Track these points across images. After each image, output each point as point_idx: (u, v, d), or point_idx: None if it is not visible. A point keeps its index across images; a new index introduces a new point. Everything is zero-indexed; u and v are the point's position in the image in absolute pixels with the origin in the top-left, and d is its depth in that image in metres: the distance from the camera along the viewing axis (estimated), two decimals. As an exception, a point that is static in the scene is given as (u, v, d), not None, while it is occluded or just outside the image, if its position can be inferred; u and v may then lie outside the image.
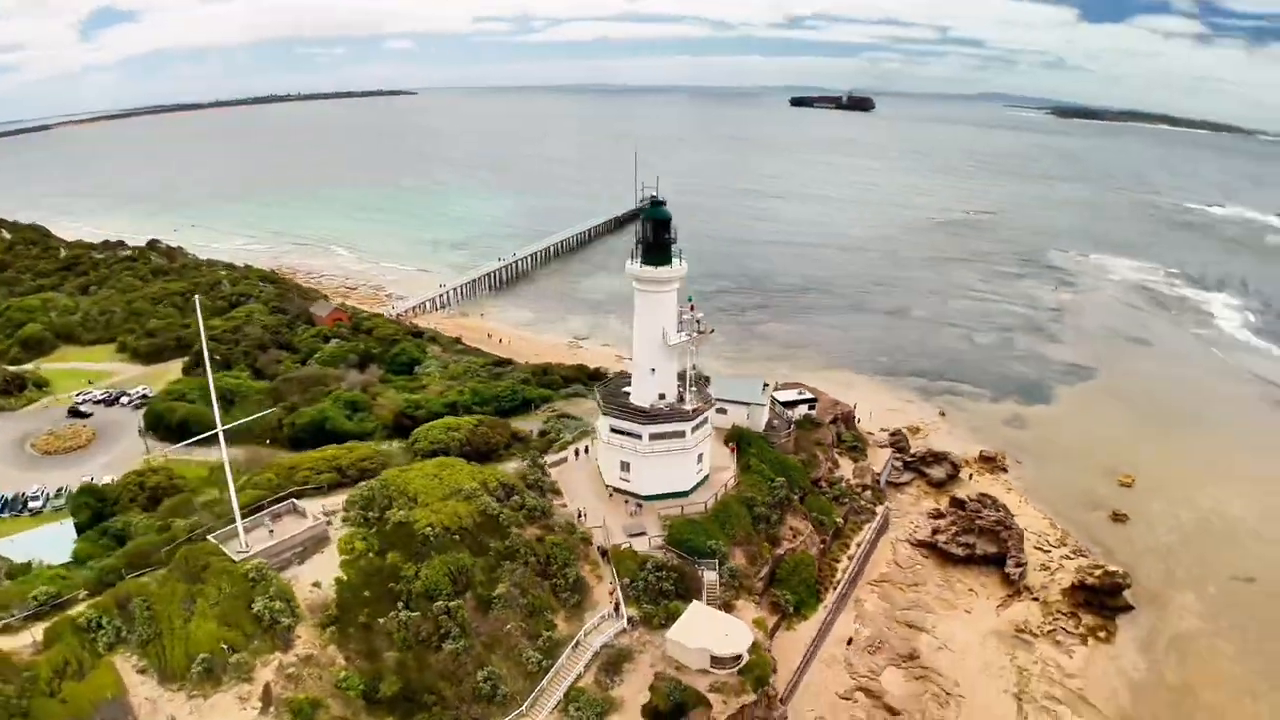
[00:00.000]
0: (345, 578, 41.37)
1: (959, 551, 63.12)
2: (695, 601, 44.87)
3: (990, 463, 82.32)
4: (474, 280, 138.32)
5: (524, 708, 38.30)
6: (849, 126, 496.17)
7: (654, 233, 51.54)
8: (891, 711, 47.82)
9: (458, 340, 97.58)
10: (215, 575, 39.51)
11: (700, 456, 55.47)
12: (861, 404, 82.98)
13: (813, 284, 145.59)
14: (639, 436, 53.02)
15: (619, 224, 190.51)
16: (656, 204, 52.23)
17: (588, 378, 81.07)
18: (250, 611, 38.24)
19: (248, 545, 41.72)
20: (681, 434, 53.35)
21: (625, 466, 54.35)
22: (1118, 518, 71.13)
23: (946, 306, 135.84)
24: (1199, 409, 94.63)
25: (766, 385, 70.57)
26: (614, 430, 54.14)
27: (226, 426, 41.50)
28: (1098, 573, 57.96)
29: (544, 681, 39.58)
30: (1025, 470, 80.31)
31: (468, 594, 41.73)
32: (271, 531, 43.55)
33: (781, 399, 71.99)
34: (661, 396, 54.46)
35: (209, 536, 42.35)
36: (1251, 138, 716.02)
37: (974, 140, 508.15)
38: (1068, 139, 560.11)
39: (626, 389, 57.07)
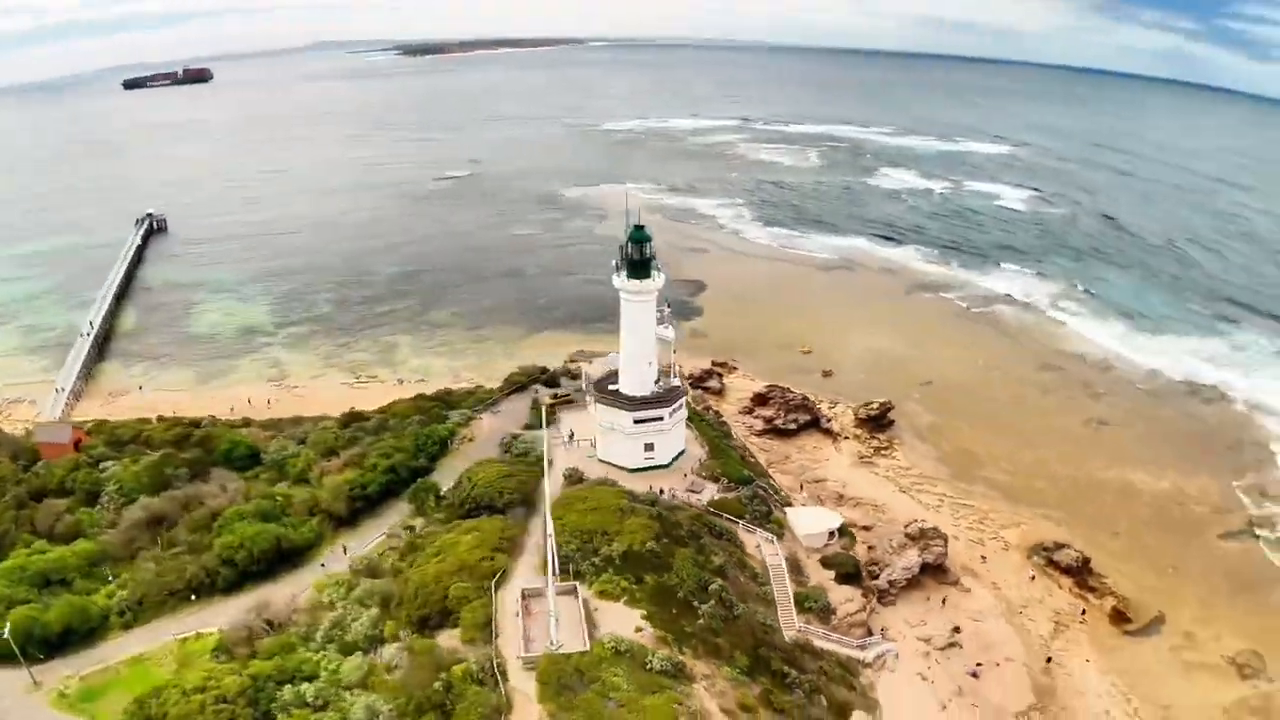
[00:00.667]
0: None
1: (793, 426, 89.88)
2: (787, 509, 61.52)
3: (725, 366, 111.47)
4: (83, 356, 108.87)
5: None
6: (194, 103, 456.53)
7: (638, 252, 62.01)
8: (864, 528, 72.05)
9: (246, 421, 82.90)
10: None
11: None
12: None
13: (411, 270, 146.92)
14: (660, 419, 64.59)
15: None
16: (639, 229, 62.39)
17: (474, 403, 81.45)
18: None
19: None
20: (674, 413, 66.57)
21: (650, 446, 65.34)
22: (826, 374, 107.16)
23: (542, 257, 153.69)
24: (784, 290, 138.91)
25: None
26: (637, 420, 64.27)
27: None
28: (872, 407, 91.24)
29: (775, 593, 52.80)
30: (747, 364, 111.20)
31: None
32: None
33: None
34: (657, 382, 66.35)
35: None
36: (583, 45, 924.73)
37: (355, 94, 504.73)
38: (427, 77, 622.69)
39: (613, 384, 66.85)
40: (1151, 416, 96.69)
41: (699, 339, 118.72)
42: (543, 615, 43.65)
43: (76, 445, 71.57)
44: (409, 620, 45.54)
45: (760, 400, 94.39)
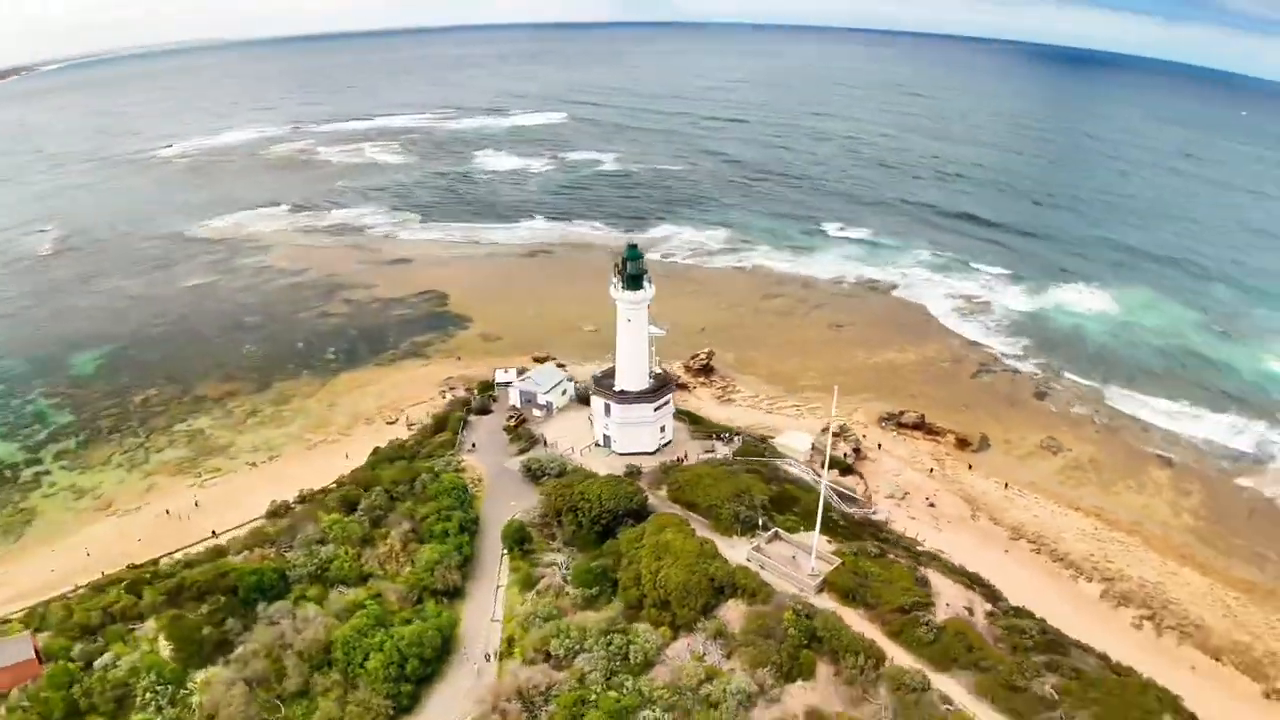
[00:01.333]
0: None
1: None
2: (777, 437, 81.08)
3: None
4: None
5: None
6: None
7: (633, 269, 72.77)
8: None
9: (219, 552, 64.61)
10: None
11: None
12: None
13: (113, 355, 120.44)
14: (668, 403, 77.44)
15: None
16: (633, 248, 72.72)
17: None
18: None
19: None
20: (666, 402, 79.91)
21: (663, 429, 77.93)
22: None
23: (248, 300, 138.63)
24: (517, 281, 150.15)
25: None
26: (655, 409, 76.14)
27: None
28: (699, 358, 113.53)
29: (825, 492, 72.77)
30: (561, 354, 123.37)
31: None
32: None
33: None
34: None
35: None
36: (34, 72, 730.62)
37: None
38: None
39: (610, 381, 77.00)
40: (862, 312, 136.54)
41: (494, 342, 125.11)
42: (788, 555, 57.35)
43: (39, 657, 52.93)
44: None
45: (705, 370, 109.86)
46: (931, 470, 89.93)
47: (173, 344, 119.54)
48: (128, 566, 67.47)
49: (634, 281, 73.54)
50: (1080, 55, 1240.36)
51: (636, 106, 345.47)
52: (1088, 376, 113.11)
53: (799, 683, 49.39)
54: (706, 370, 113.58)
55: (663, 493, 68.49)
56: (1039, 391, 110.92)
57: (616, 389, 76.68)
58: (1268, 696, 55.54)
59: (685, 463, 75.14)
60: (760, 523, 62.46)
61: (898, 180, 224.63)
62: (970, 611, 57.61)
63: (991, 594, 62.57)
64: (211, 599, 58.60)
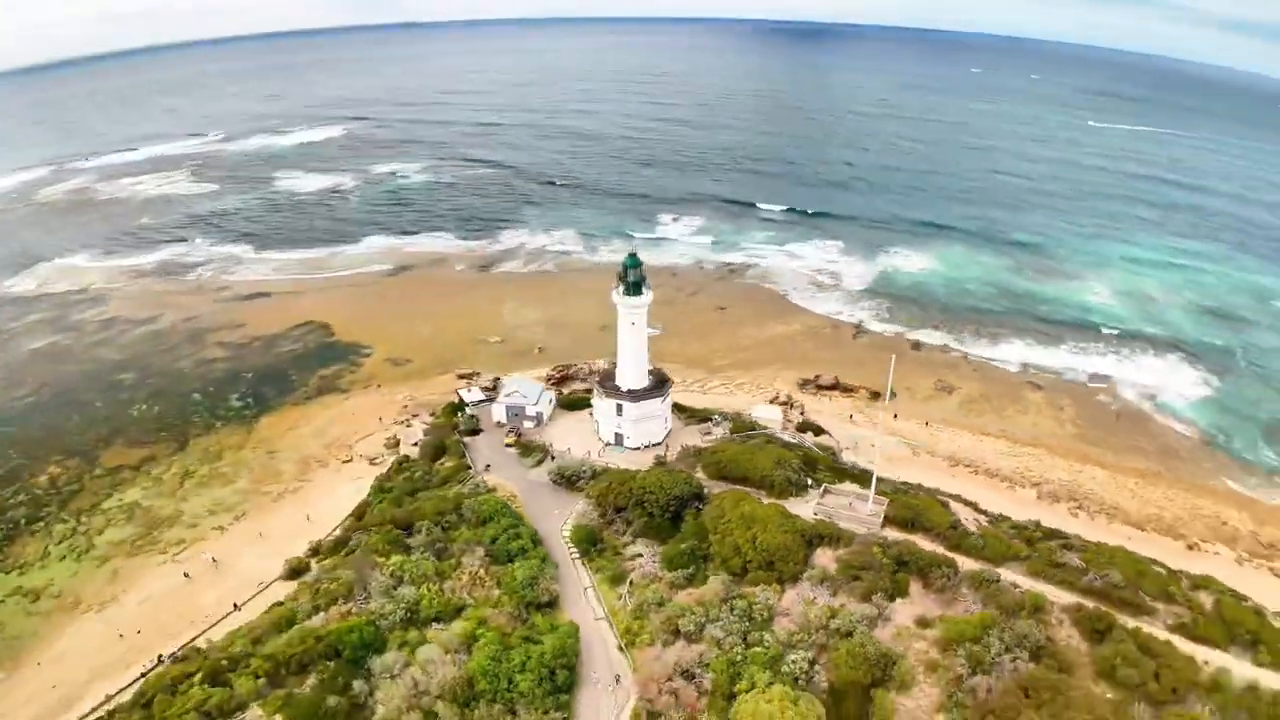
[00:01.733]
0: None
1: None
2: (753, 409, 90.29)
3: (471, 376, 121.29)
4: None
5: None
6: None
7: (634, 276, 77.86)
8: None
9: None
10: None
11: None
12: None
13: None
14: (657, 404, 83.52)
15: None
16: (632, 256, 77.55)
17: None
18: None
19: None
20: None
21: (665, 420, 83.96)
22: (540, 350, 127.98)
23: (66, 371, 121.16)
24: (395, 302, 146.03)
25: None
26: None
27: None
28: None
29: (817, 451, 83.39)
30: (480, 367, 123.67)
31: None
32: (822, 520, 65.76)
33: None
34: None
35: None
36: None
37: None
38: None
39: (614, 383, 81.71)
40: (734, 294, 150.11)
41: (404, 366, 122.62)
42: (845, 503, 66.94)
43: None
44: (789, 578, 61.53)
45: (564, 379, 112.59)
46: (851, 416, 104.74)
47: (48, 415, 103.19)
48: (159, 660, 61.22)
49: (635, 288, 78.69)
50: (817, 29, 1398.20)
51: (408, 118, 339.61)
52: (944, 326, 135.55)
53: (898, 601, 59.01)
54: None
55: (699, 475, 74.90)
56: (914, 343, 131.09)
57: (625, 389, 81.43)
58: (1190, 549, 74.91)
59: (669, 451, 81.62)
60: (808, 482, 71.43)
61: (695, 172, 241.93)
62: (977, 522, 71.04)
63: (976, 508, 76.89)
64: (317, 668, 55.72)
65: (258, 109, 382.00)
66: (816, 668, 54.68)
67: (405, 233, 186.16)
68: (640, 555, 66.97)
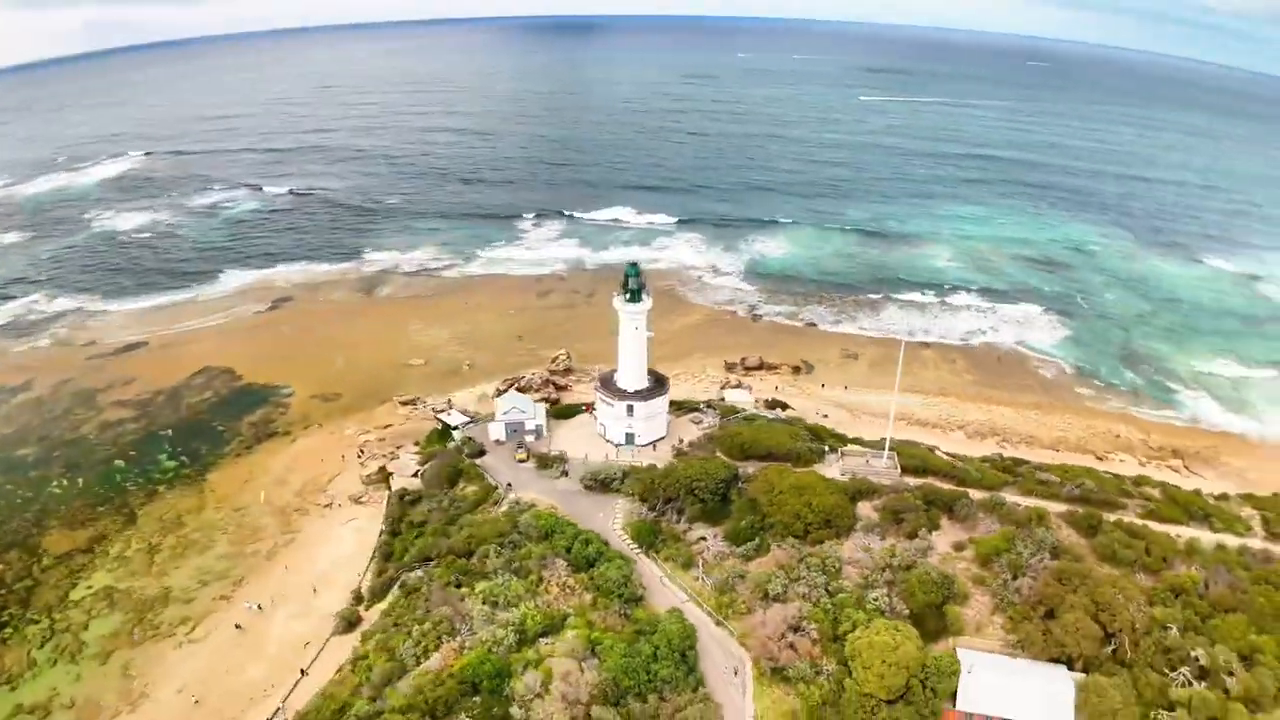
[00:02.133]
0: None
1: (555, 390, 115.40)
2: (725, 391, 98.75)
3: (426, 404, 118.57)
4: None
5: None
6: None
7: (635, 284, 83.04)
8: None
9: None
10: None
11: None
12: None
13: None
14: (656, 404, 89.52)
15: None
16: (633, 265, 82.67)
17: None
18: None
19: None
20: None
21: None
22: (470, 367, 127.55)
23: None
24: (297, 340, 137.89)
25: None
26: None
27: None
28: (560, 360, 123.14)
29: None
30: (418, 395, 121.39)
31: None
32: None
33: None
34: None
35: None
36: None
37: None
38: None
39: (620, 387, 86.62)
40: (530, 299, 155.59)
41: (334, 401, 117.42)
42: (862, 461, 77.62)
43: None
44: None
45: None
46: (776, 387, 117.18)
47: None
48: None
49: (636, 295, 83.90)
50: (587, 23, 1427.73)
51: (202, 147, 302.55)
52: (826, 302, 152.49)
53: (934, 534, 70.56)
54: (569, 370, 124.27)
55: (720, 457, 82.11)
56: (808, 321, 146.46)
57: (632, 390, 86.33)
58: (1100, 459, 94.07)
59: (682, 442, 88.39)
60: (825, 449, 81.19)
61: (521, 182, 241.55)
62: (952, 462, 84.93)
63: (938, 451, 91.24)
64: (464, 707, 56.15)
65: (33, 149, 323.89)
66: (894, 599, 64.43)
67: (263, 265, 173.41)
68: (704, 538, 73.05)
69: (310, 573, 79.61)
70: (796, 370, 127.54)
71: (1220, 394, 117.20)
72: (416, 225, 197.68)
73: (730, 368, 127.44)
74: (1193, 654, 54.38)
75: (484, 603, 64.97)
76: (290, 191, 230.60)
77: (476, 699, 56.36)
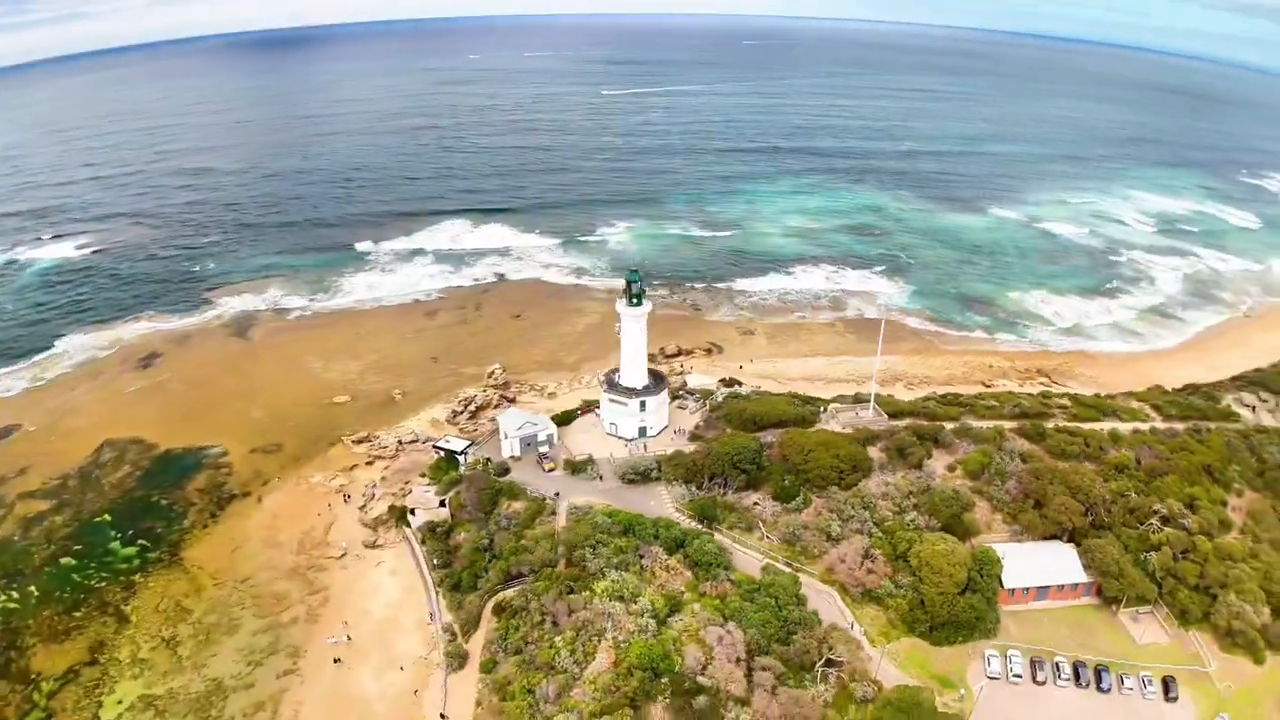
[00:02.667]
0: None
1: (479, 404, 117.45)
2: (687, 377, 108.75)
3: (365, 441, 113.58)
4: None
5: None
6: None
7: (635, 289, 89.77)
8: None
9: None
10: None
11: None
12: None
13: None
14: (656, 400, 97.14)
15: None
16: (634, 272, 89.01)
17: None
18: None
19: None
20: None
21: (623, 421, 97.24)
22: (402, 395, 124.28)
23: None
24: (190, 387, 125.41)
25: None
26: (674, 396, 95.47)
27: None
28: (493, 377, 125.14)
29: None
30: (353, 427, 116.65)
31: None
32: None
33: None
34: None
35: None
36: None
37: None
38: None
39: (628, 387, 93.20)
40: (512, 299, 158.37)
41: (276, 453, 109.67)
42: (852, 415, 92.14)
43: None
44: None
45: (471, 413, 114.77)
46: (687, 369, 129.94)
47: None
48: None
49: (637, 299, 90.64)
50: (298, 36, 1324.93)
51: None
52: (695, 289, 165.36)
53: (927, 461, 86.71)
54: (505, 385, 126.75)
55: (737, 432, 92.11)
56: (693, 304, 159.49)
57: (640, 386, 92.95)
58: (988, 385, 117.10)
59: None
60: (819, 411, 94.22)
61: (346, 203, 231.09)
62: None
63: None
64: (656, 689, 61.04)
65: None
66: (925, 517, 79.49)
67: (104, 321, 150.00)
68: (757, 503, 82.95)
69: (370, 623, 77.19)
70: (708, 352, 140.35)
71: (1051, 320, 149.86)
72: (253, 263, 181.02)
73: (651, 358, 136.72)
74: (1155, 509, 75.09)
75: (611, 599, 69.56)
76: (86, 245, 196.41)
77: (663, 680, 61.81)
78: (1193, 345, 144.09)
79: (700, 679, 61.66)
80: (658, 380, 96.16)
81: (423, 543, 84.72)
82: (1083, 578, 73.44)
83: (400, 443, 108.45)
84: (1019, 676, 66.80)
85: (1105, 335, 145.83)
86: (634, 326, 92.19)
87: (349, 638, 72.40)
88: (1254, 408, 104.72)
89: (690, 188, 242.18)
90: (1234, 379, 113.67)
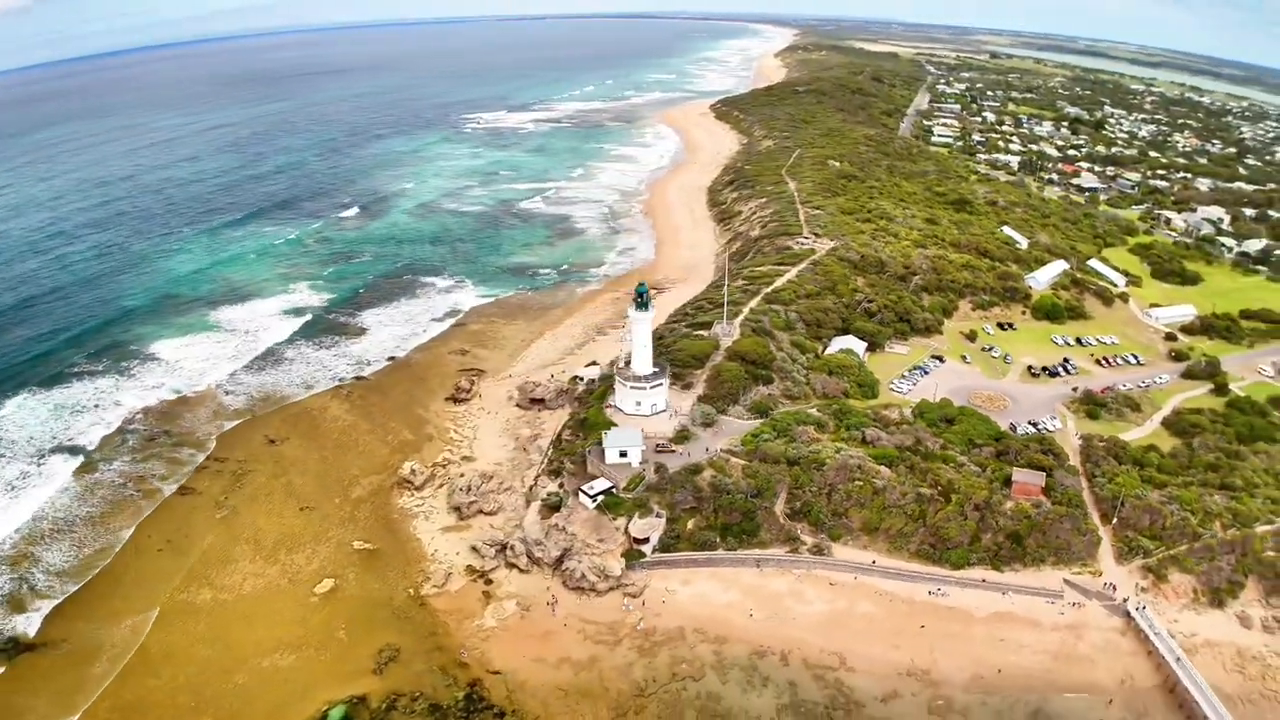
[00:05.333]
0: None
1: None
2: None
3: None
4: None
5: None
6: None
7: (643, 297, 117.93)
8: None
9: None
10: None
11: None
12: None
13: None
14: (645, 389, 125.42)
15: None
16: (642, 284, 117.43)
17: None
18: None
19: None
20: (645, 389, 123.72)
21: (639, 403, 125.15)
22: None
23: None
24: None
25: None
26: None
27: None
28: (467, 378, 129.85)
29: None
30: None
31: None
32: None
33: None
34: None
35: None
36: None
37: None
38: None
39: (643, 376, 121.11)
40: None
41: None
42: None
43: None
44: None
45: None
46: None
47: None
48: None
49: (644, 305, 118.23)
50: None
51: None
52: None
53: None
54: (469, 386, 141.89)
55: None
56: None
57: (649, 374, 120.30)
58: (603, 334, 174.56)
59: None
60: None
61: None
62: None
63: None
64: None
65: None
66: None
67: None
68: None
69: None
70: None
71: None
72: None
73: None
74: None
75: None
76: None
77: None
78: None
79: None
80: (660, 369, 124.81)
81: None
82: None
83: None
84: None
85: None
86: (641, 328, 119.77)
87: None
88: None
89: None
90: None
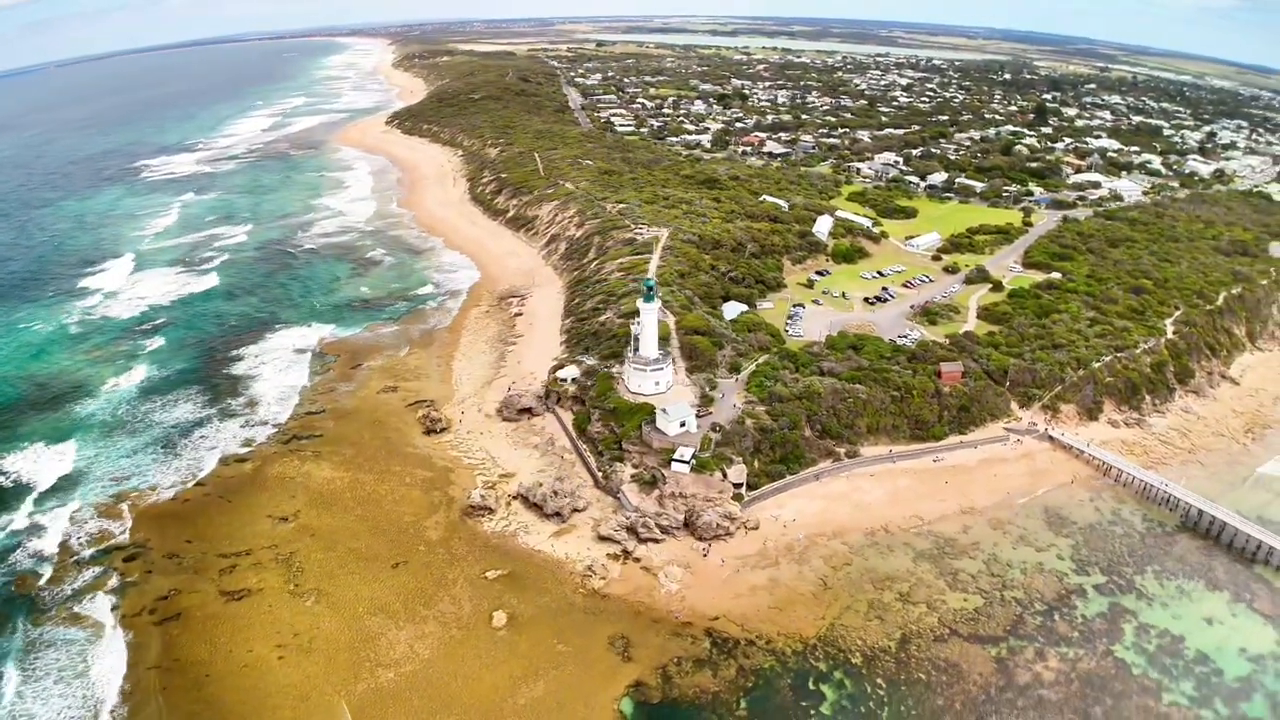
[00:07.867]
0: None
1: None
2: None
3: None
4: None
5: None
6: None
7: (650, 290, 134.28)
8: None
9: None
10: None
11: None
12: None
13: None
14: (662, 368, 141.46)
15: None
16: (649, 279, 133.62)
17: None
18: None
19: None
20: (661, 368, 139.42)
21: (657, 383, 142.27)
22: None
23: None
24: None
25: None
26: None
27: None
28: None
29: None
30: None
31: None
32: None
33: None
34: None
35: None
36: None
37: None
38: None
39: (646, 357, 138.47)
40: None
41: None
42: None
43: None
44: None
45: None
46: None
47: None
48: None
49: (649, 296, 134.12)
50: None
51: None
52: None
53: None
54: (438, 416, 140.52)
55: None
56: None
57: (656, 358, 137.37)
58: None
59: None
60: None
61: None
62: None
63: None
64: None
65: None
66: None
67: None
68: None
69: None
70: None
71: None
72: None
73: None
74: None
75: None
76: None
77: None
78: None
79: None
80: (665, 353, 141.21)
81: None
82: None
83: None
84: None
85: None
86: (651, 315, 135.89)
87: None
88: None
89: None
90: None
